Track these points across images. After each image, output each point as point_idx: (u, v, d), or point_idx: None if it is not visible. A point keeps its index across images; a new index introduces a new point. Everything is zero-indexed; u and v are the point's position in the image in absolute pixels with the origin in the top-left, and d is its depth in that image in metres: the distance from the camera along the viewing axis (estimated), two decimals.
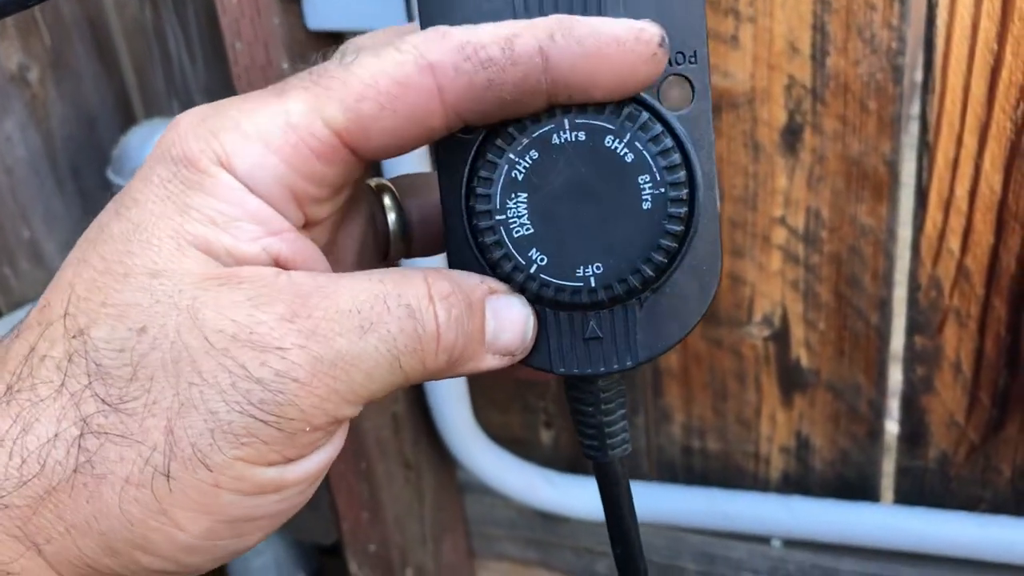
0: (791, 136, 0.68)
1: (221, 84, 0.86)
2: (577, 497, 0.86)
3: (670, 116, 0.31)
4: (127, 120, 0.92)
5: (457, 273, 0.31)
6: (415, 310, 0.29)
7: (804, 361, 0.76)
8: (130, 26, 0.89)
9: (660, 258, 0.31)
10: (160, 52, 0.88)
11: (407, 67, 0.28)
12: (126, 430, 0.27)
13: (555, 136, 0.30)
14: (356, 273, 0.30)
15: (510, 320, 0.31)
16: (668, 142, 0.30)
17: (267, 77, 0.69)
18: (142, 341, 0.27)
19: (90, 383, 0.27)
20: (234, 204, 0.28)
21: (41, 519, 0.27)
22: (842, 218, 0.70)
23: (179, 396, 0.27)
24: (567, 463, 0.90)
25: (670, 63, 0.30)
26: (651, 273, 0.31)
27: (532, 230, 0.31)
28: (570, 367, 0.33)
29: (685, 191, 0.30)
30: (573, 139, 0.30)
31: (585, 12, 0.30)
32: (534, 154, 0.30)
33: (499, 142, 0.30)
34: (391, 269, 0.30)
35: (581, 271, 0.31)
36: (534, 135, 0.30)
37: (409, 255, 0.37)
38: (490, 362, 0.32)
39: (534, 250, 0.31)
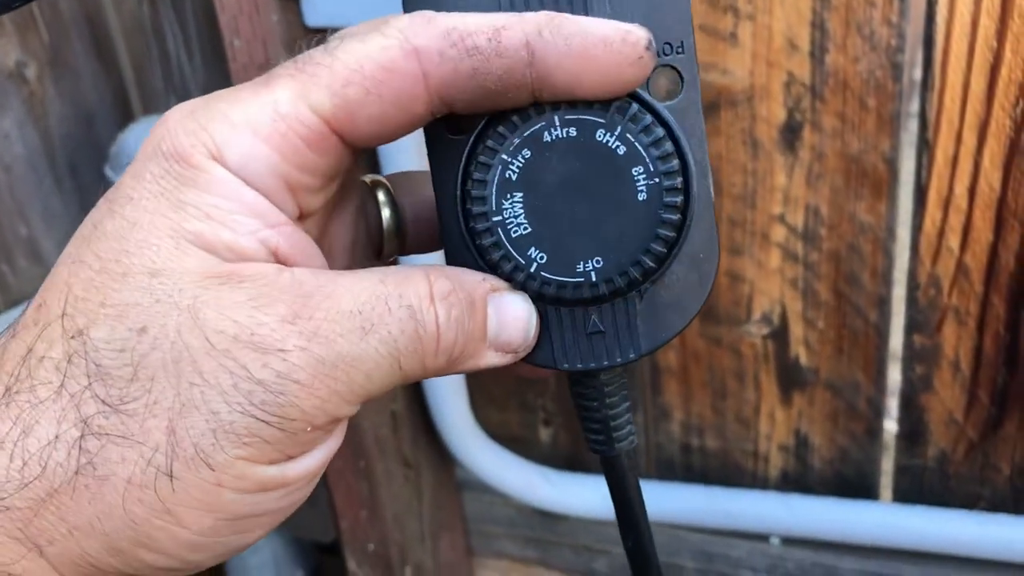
0: (790, 133, 0.68)
1: (219, 82, 0.86)
2: (576, 495, 0.86)
3: (660, 107, 0.31)
4: (125, 118, 0.91)
5: (459, 271, 0.31)
6: (416, 311, 0.29)
7: (803, 359, 0.76)
8: (128, 24, 0.89)
9: (659, 248, 0.31)
10: (158, 50, 0.88)
11: (392, 51, 0.28)
12: (127, 431, 0.27)
13: (546, 133, 0.30)
14: (357, 271, 0.30)
15: (513, 318, 0.31)
16: (659, 132, 0.30)
17: None
18: (142, 341, 0.27)
19: (90, 384, 0.27)
20: (230, 198, 0.28)
21: (43, 521, 0.27)
22: (841, 216, 0.70)
23: (180, 396, 0.27)
24: (566, 461, 0.90)
25: (658, 54, 0.30)
26: (651, 264, 0.31)
27: (530, 229, 0.31)
28: (574, 362, 0.33)
29: (680, 179, 0.30)
30: (564, 135, 0.30)
31: (572, 4, 0.30)
32: (526, 153, 0.30)
33: (490, 143, 0.30)
34: (392, 268, 0.30)
35: (581, 266, 0.31)
36: (525, 134, 0.30)
37: (403, 252, 0.37)
38: (492, 360, 0.32)
39: (533, 249, 0.31)
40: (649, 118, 0.30)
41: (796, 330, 0.75)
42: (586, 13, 0.30)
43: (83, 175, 0.89)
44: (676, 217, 0.31)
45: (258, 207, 0.29)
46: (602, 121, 0.30)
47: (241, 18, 0.68)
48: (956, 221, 0.67)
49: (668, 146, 0.30)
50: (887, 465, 0.78)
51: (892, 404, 0.75)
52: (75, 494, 0.27)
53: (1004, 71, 0.61)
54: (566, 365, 0.33)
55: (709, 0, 0.66)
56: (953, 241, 0.67)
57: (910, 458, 0.77)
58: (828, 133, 0.67)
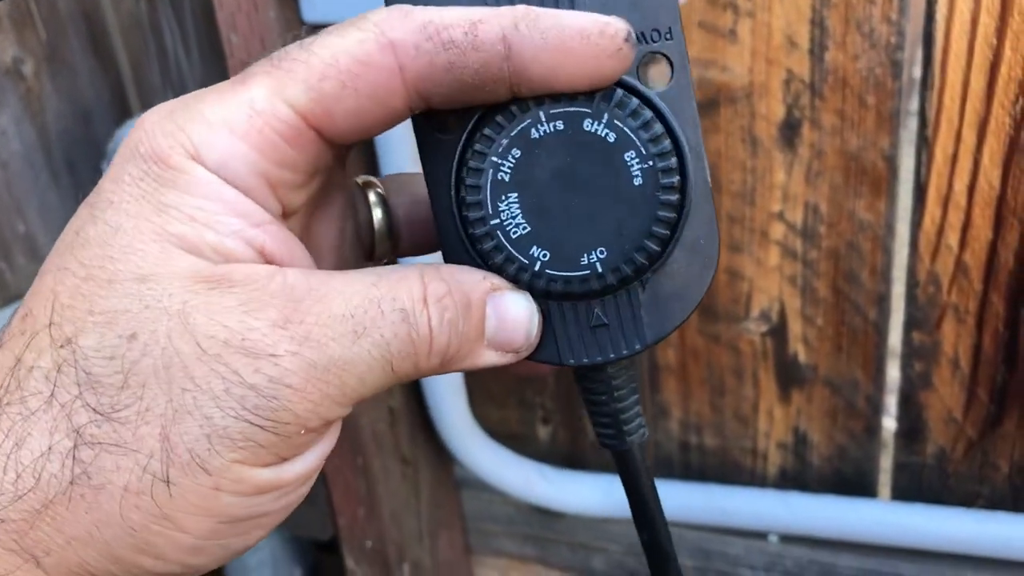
0: (789, 131, 0.68)
1: (217, 78, 0.85)
2: (574, 493, 0.86)
3: (648, 92, 0.30)
4: (122, 114, 0.91)
5: (457, 270, 0.31)
6: (409, 314, 0.29)
7: (802, 357, 0.76)
8: (126, 20, 0.88)
9: (662, 230, 0.30)
10: (156, 46, 0.88)
11: (368, 44, 0.28)
12: (120, 439, 0.27)
13: (533, 130, 0.30)
14: (349, 273, 0.29)
15: (513, 317, 0.31)
16: (647, 114, 0.30)
17: None
18: (133, 348, 0.27)
19: (80, 393, 0.27)
20: (211, 198, 0.28)
21: (39, 532, 0.27)
22: (840, 213, 0.69)
23: (172, 402, 0.27)
24: (564, 459, 0.90)
25: (646, 41, 0.30)
26: (655, 247, 0.31)
27: (529, 228, 0.31)
28: (579, 357, 0.32)
29: (674, 160, 0.30)
30: (552, 130, 0.30)
31: None
32: (516, 152, 0.30)
33: (478, 146, 0.30)
34: (386, 268, 0.30)
35: (585, 259, 0.31)
36: (512, 133, 0.30)
37: (399, 254, 0.37)
38: (492, 359, 0.31)
39: (534, 247, 0.31)
40: (636, 102, 0.30)
41: (795, 327, 0.75)
42: (572, 3, 0.30)
43: (80, 172, 0.89)
44: (675, 198, 0.30)
45: (240, 206, 0.28)
46: (588, 111, 0.30)
47: (239, 14, 0.67)
48: (955, 219, 0.67)
49: (658, 128, 0.30)
50: (886, 463, 0.78)
51: (891, 402, 0.75)
52: (71, 504, 0.27)
53: (1004, 69, 0.61)
54: (572, 360, 0.32)
55: None
56: (952, 239, 0.67)
57: (909, 456, 0.77)
58: (827, 130, 0.67)
